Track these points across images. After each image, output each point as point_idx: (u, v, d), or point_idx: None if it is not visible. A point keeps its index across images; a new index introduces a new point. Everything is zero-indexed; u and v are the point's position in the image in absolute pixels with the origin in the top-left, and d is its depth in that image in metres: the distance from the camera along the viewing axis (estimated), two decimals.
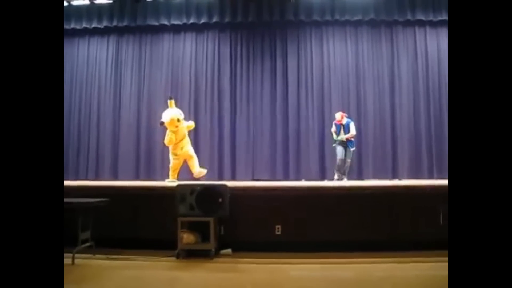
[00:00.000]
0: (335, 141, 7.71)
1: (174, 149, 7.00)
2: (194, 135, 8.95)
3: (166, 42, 9.28)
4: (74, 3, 8.87)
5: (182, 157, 7.04)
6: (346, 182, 7.00)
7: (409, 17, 8.79)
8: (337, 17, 8.82)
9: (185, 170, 7.42)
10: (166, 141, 6.98)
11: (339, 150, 7.63)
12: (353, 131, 7.67)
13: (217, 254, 4.81)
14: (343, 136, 7.61)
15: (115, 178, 8.81)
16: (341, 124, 7.68)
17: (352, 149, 7.69)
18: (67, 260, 4.09)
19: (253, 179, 8.43)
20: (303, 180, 8.17)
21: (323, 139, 8.73)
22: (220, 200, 4.78)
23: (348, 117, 7.93)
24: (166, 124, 6.89)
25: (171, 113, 6.93)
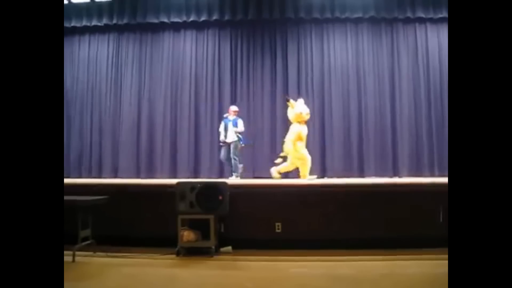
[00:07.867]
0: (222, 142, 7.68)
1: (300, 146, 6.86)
2: (195, 133, 8.97)
3: (166, 40, 9.28)
4: (74, 1, 8.85)
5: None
6: (345, 180, 6.94)
7: (410, 14, 8.77)
8: (337, 14, 8.80)
9: (183, 168, 7.41)
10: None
11: (223, 151, 7.69)
12: (241, 127, 7.62)
13: (217, 251, 4.82)
14: (234, 129, 7.50)
15: (116, 176, 8.82)
16: (230, 120, 7.63)
17: (242, 144, 7.63)
18: (67, 258, 4.11)
19: (253, 177, 8.43)
20: None
21: (323, 136, 8.74)
22: (220, 197, 4.79)
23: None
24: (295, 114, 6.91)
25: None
